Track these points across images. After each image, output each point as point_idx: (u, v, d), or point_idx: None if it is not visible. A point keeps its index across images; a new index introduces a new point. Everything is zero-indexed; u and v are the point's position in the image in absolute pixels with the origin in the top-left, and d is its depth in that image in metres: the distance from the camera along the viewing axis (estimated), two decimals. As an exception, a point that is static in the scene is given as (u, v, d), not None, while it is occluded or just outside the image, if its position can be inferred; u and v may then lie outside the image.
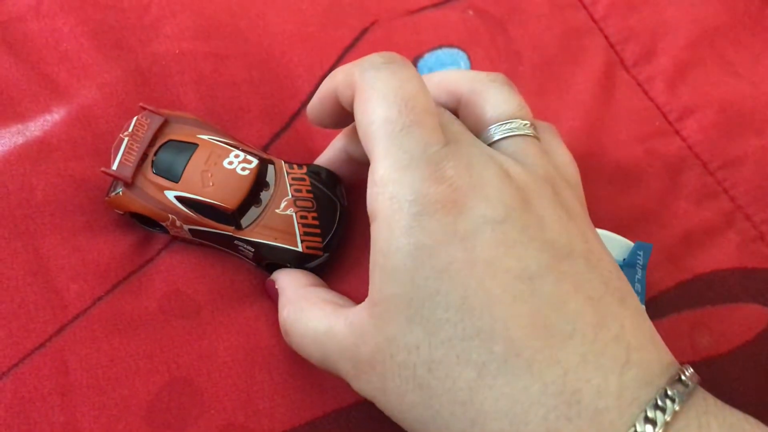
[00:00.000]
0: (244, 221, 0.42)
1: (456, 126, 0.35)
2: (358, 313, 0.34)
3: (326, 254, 0.43)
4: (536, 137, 0.37)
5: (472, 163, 0.33)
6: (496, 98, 0.37)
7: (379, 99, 0.33)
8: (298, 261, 0.42)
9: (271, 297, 0.42)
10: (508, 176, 0.33)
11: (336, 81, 0.37)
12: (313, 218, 0.42)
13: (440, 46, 0.52)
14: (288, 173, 0.43)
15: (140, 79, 0.48)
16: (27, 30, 0.49)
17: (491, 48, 0.52)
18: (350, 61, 0.49)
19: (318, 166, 0.45)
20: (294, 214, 0.42)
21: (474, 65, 0.52)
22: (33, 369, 0.40)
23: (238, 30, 0.50)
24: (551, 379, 0.30)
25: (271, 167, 0.43)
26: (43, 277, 0.42)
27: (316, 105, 0.40)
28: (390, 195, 0.32)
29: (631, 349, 0.31)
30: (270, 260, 0.42)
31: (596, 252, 0.34)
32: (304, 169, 0.44)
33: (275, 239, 0.42)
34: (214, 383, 0.41)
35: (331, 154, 0.44)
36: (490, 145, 0.36)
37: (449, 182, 0.32)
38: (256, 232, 0.42)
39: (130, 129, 0.43)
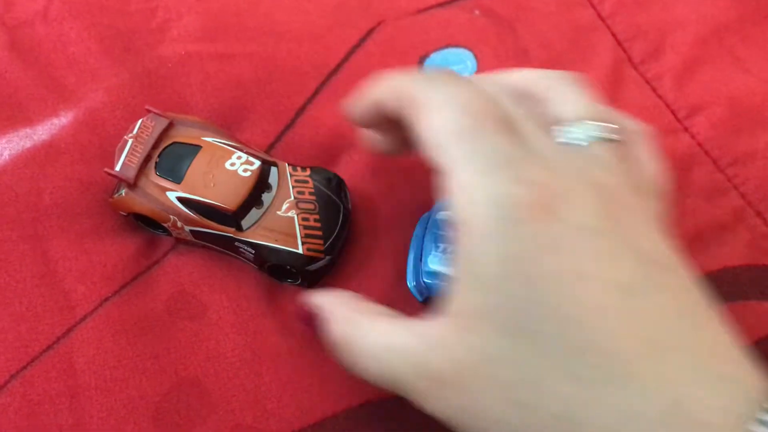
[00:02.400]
0: (245, 223, 0.42)
1: (529, 127, 0.33)
2: (432, 325, 0.32)
3: (328, 257, 0.42)
4: (620, 141, 0.35)
5: (556, 168, 0.31)
6: (574, 98, 0.35)
7: (444, 107, 0.32)
8: (298, 263, 0.42)
9: (304, 321, 0.38)
10: (595, 182, 0.32)
11: (380, 91, 0.36)
12: (315, 220, 0.42)
13: (447, 46, 0.52)
14: (291, 175, 0.43)
15: (147, 82, 0.48)
16: (35, 34, 0.49)
17: (499, 46, 0.52)
18: (357, 60, 0.50)
19: (322, 169, 0.44)
20: (295, 216, 0.42)
21: (481, 64, 0.52)
22: (41, 371, 0.40)
23: (244, 30, 0.50)
24: (655, 392, 0.29)
25: (274, 169, 0.43)
26: (51, 279, 0.42)
27: (360, 109, 0.38)
28: (475, 201, 0.30)
29: (729, 362, 0.30)
30: (271, 262, 0.42)
31: (682, 263, 0.32)
32: (308, 171, 0.44)
33: (276, 241, 0.42)
34: (222, 384, 0.41)
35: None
36: (567, 146, 0.34)
37: (536, 186, 0.30)
38: (257, 233, 0.42)
39: (135, 131, 0.43)
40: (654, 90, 0.52)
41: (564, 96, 0.35)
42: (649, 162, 0.36)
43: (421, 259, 0.42)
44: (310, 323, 0.38)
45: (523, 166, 0.30)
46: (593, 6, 0.54)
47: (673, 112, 0.51)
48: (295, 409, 0.41)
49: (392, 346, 0.33)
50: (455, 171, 0.31)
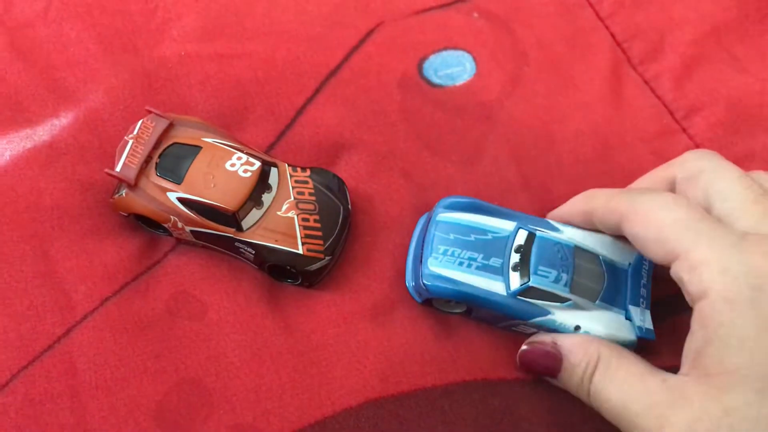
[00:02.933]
0: (245, 223, 0.42)
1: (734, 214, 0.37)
2: (680, 378, 0.35)
3: (328, 257, 0.42)
4: None
5: None
6: None
7: (662, 208, 0.37)
8: (298, 263, 0.42)
9: (532, 362, 0.41)
10: None
11: (594, 205, 0.41)
12: (315, 221, 0.42)
13: (446, 48, 0.52)
14: (291, 176, 0.43)
15: (147, 83, 0.48)
16: (35, 36, 0.49)
17: (497, 49, 0.52)
18: (357, 61, 0.50)
19: (322, 169, 0.44)
20: (295, 217, 0.42)
21: (480, 66, 0.52)
22: (42, 371, 0.40)
23: (243, 30, 0.51)
24: None
25: (274, 170, 0.43)
26: (52, 279, 0.42)
27: (563, 217, 0.44)
28: (721, 270, 0.34)
29: None
30: (271, 262, 0.42)
31: None
32: (308, 172, 0.44)
33: (275, 241, 0.42)
34: (223, 383, 0.41)
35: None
36: None
37: None
38: (257, 234, 0.42)
39: (135, 131, 0.43)
40: (653, 90, 0.52)
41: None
42: None
43: (420, 261, 0.42)
44: (546, 360, 0.40)
45: (756, 241, 0.34)
46: (592, 6, 0.54)
47: (671, 113, 0.51)
48: (295, 409, 0.41)
49: (638, 386, 0.36)
50: (693, 250, 0.35)
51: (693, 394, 0.34)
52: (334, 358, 0.42)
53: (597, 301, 0.41)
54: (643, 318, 0.41)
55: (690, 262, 0.35)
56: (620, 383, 0.37)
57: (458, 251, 0.42)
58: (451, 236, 0.42)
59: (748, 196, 0.37)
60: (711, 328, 0.34)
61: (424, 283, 0.41)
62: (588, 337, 0.40)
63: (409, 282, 0.44)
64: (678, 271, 0.35)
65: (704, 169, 0.39)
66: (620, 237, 0.42)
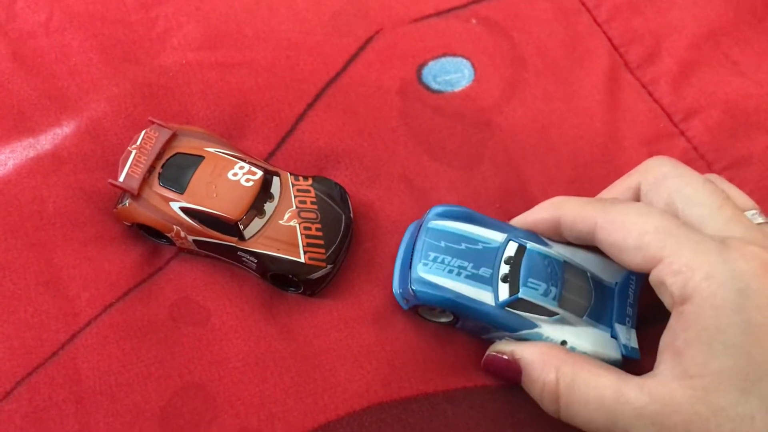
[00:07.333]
0: (248, 232, 0.42)
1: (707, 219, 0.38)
2: (662, 383, 0.35)
3: (330, 266, 0.43)
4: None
5: (760, 241, 0.36)
6: (734, 192, 0.41)
7: (640, 215, 0.38)
8: (300, 272, 0.42)
9: (494, 371, 0.42)
10: None
11: (563, 213, 0.41)
12: (317, 230, 0.43)
13: (444, 54, 0.52)
14: (293, 185, 0.44)
15: (148, 92, 0.48)
16: (37, 46, 0.50)
17: (495, 55, 0.53)
18: (356, 68, 0.50)
19: (324, 178, 0.45)
20: (297, 225, 0.43)
21: (478, 72, 0.52)
22: (47, 377, 0.40)
23: (243, 38, 0.51)
24: None
25: (276, 179, 0.44)
26: (55, 286, 0.42)
27: (528, 223, 0.43)
28: (705, 275, 0.34)
29: None
30: (273, 271, 0.42)
31: None
32: (310, 181, 0.44)
33: (278, 250, 0.42)
34: (227, 388, 0.41)
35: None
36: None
37: (759, 259, 0.35)
38: (259, 243, 0.42)
39: (138, 142, 0.43)
40: (650, 94, 0.52)
41: (732, 193, 0.41)
42: None
43: (410, 267, 0.42)
44: (507, 372, 0.41)
45: (739, 245, 0.35)
46: (589, 12, 0.55)
47: (669, 116, 0.52)
48: (299, 413, 0.41)
49: (619, 399, 0.36)
50: (674, 255, 0.36)
51: (680, 398, 0.34)
52: (336, 363, 0.42)
53: (584, 317, 0.41)
54: (628, 337, 0.41)
55: (674, 267, 0.35)
56: (595, 403, 0.37)
57: (448, 259, 0.42)
58: (442, 243, 0.42)
59: (715, 201, 0.38)
60: (694, 331, 0.34)
61: (412, 289, 0.41)
62: (546, 348, 0.40)
63: (396, 288, 0.43)
64: (660, 276, 0.36)
65: (668, 175, 0.40)
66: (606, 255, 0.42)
